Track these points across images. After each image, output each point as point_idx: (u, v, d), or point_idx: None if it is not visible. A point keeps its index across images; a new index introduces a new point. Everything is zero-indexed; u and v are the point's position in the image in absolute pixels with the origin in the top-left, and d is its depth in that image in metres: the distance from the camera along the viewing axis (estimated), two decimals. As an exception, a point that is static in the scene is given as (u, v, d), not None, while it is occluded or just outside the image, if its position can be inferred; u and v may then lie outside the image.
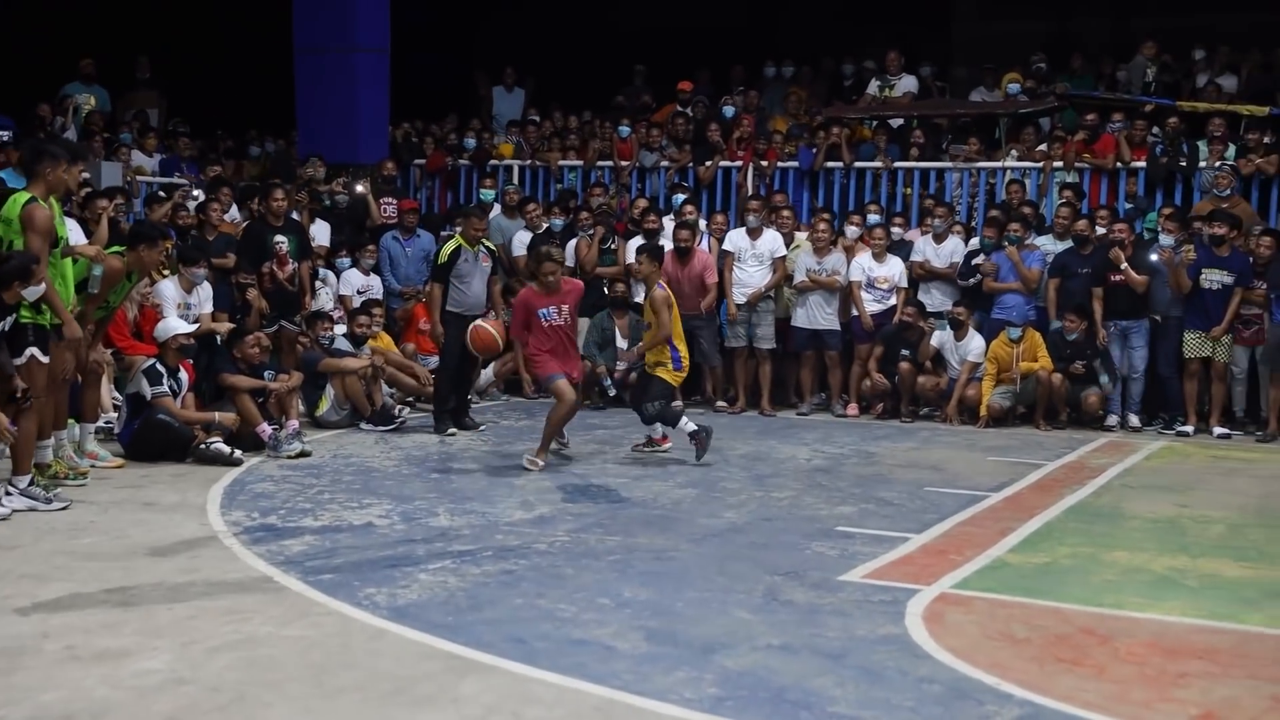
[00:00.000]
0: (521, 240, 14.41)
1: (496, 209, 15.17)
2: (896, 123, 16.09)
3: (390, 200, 15.27)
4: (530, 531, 7.87)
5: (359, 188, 15.08)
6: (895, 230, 13.80)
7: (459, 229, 12.24)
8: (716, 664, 5.45)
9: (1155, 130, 14.56)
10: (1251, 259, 12.28)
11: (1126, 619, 6.26)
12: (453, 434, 11.49)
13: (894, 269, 13.31)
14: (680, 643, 5.73)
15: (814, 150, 15.58)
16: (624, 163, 16.35)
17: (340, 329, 12.51)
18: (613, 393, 13.25)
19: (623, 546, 7.51)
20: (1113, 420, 12.55)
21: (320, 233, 14.16)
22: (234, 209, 13.89)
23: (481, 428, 11.75)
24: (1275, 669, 5.58)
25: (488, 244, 12.05)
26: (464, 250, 11.63)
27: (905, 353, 12.92)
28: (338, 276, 13.93)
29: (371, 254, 14.05)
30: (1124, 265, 12.40)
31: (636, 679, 5.23)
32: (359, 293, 13.68)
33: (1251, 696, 5.23)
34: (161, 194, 13.79)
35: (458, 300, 11.61)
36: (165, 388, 10.05)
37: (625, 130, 16.52)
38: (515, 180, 16.58)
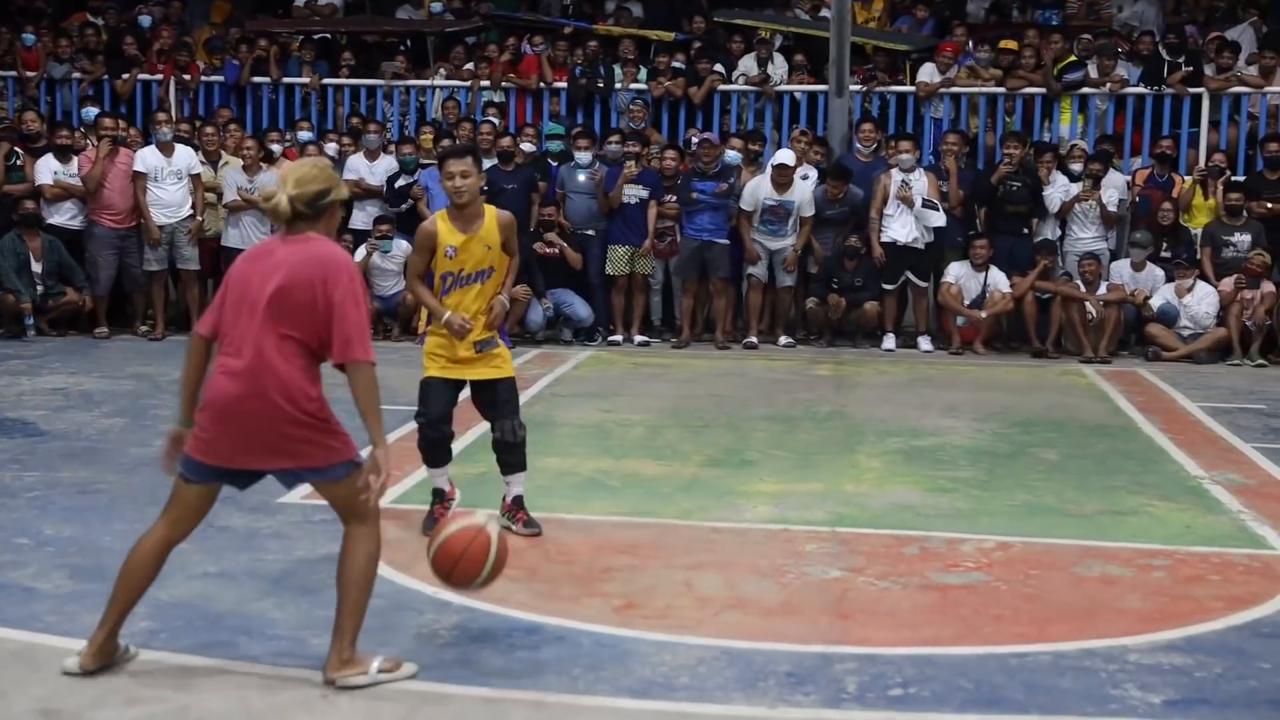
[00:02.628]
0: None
1: None
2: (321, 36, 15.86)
3: None
4: (-65, 473, 7.26)
5: None
6: (331, 146, 13.62)
7: None
8: (149, 597, 5.22)
9: (576, 52, 15.15)
10: (660, 174, 13.04)
11: (556, 520, 6.58)
12: None
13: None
14: (108, 578, 5.44)
15: (239, 64, 15.09)
16: (30, 73, 15.17)
17: None
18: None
19: (43, 482, 7.10)
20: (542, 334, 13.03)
21: None
22: None
23: None
24: (687, 556, 6.05)
25: None
26: None
27: None
28: None
29: None
30: (557, 248, 12.85)
31: (61, 619, 4.98)
32: None
33: (667, 584, 5.65)
34: None
35: None
36: None
37: (30, 38, 15.30)
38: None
